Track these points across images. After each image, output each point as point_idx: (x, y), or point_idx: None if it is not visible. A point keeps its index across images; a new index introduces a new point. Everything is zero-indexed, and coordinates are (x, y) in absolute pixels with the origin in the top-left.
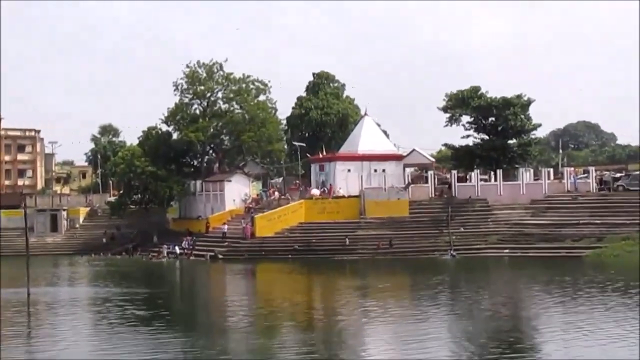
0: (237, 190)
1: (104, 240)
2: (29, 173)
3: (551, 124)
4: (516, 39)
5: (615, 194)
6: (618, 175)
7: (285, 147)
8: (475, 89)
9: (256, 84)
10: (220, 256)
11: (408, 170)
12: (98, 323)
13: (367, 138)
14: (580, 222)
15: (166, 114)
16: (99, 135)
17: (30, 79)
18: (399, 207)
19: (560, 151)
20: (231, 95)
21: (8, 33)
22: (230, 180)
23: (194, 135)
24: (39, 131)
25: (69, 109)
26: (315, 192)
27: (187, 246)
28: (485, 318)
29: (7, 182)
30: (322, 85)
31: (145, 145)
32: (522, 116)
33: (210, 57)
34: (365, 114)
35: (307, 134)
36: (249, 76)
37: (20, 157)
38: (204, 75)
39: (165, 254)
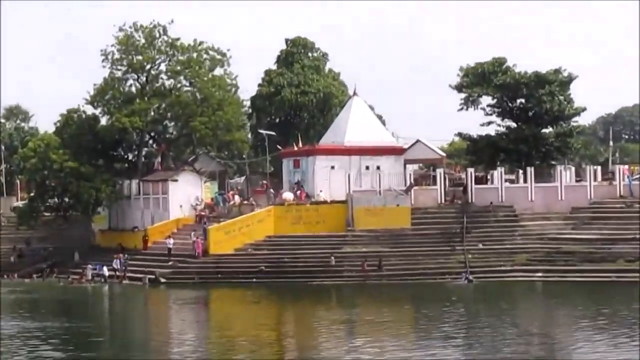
0: (186, 193)
1: (12, 259)
2: None
3: (599, 107)
4: None
5: None
6: None
7: (249, 136)
8: (500, 62)
9: (211, 53)
10: (163, 280)
11: (410, 167)
12: None
13: (356, 125)
14: (637, 237)
15: (92, 93)
16: (2, 120)
17: None
18: (398, 216)
19: (611, 143)
20: (178, 67)
21: None
22: (176, 180)
23: (128, 120)
24: None
25: None
26: (288, 196)
27: (118, 266)
28: None
29: None
30: (297, 55)
31: (64, 134)
32: (561, 97)
33: (150, 18)
34: (355, 94)
35: (278, 120)
36: (201, 43)
37: None
38: (142, 41)
39: (90, 277)
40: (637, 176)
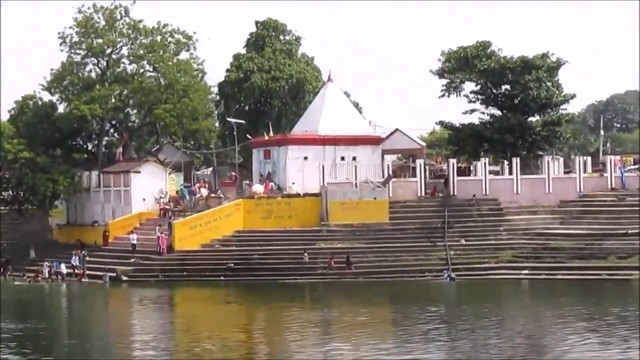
0: (149, 186)
1: None
2: None
3: (590, 94)
4: None
5: None
6: None
7: (217, 125)
8: (484, 45)
9: (176, 36)
10: (125, 277)
11: (389, 158)
12: None
13: (331, 113)
14: (629, 232)
15: (49, 78)
16: None
17: None
18: (376, 210)
19: (602, 133)
20: (141, 51)
21: None
22: (139, 172)
23: (87, 108)
24: None
25: None
26: (259, 188)
27: (77, 264)
28: None
29: None
30: (268, 38)
31: (19, 122)
32: (549, 83)
33: None
34: (329, 80)
35: (247, 107)
36: (165, 25)
37: None
38: (103, 23)
39: (47, 275)
40: (630, 167)
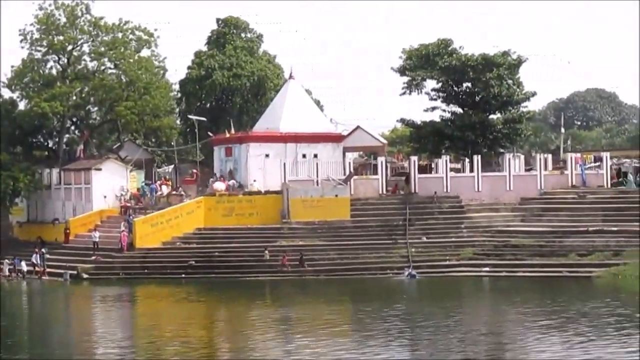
0: (110, 183)
1: None
2: None
3: (550, 92)
4: None
5: (638, 190)
6: None
7: (178, 122)
8: (445, 43)
9: (137, 33)
10: (85, 275)
11: (350, 155)
12: None
13: (292, 111)
14: (590, 229)
15: (9, 75)
16: None
17: None
18: (337, 208)
19: (563, 130)
20: (102, 49)
21: None
22: (100, 169)
23: (48, 105)
24: None
25: None
26: (220, 186)
27: (38, 261)
28: None
29: None
30: (230, 36)
31: None
32: (510, 81)
33: None
34: (291, 77)
35: (208, 105)
36: (127, 22)
37: None
38: (64, 20)
39: (7, 273)
40: (590, 165)
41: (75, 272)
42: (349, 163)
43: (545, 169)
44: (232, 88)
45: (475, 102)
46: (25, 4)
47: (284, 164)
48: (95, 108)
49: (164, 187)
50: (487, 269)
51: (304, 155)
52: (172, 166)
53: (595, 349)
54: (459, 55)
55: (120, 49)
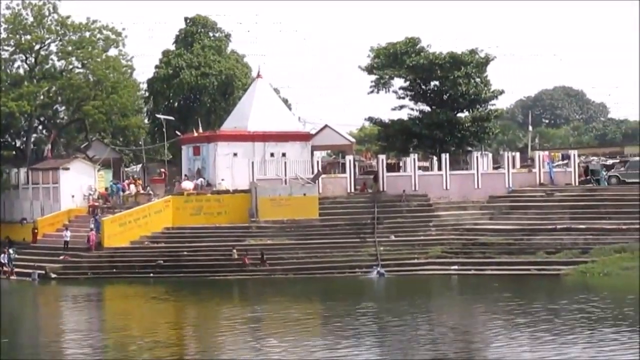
0: (78, 182)
1: None
2: None
3: (518, 90)
4: None
5: (606, 188)
6: (610, 162)
7: (146, 122)
8: (413, 41)
9: (105, 32)
10: (54, 275)
11: (318, 154)
12: None
13: (260, 110)
14: (558, 227)
15: None
16: None
17: None
18: (305, 207)
19: (530, 128)
20: (69, 48)
21: None
22: (67, 168)
23: (15, 104)
24: None
25: None
26: (188, 185)
27: (5, 261)
28: None
29: None
30: (197, 35)
31: None
32: (478, 79)
33: None
34: (259, 76)
35: (176, 104)
36: (94, 21)
37: None
38: (31, 19)
39: None
40: (558, 163)
41: (43, 272)
42: (317, 162)
43: (514, 167)
44: (200, 87)
45: (443, 100)
46: None
47: (252, 163)
48: (63, 107)
49: (131, 187)
50: (455, 267)
51: (272, 154)
52: (140, 165)
53: (564, 347)
54: (426, 54)
55: (87, 48)
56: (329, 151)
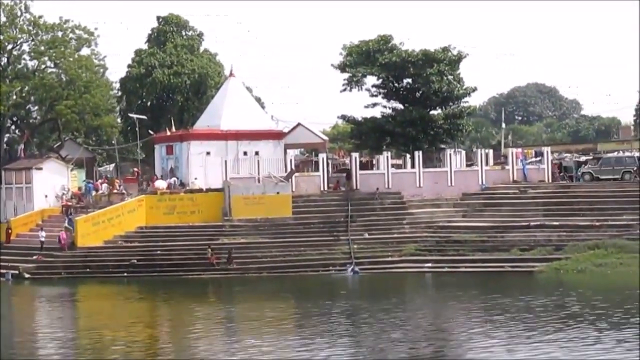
0: (51, 182)
1: None
2: None
3: (491, 87)
4: None
5: (579, 185)
6: (584, 158)
7: (119, 121)
8: (385, 39)
9: (77, 32)
10: (27, 275)
11: (291, 152)
12: None
13: (233, 108)
14: (531, 224)
15: None
16: None
17: None
18: (279, 205)
19: (504, 125)
20: (42, 48)
21: None
22: (40, 168)
23: None
24: None
25: None
26: (161, 184)
27: None
28: None
29: None
30: (170, 34)
31: None
32: (450, 77)
33: None
34: (231, 75)
35: (149, 103)
36: (67, 21)
37: None
38: (3, 19)
39: None
40: (531, 160)
41: (17, 272)
42: (291, 160)
43: (487, 164)
44: (172, 86)
45: (415, 98)
46: None
47: (225, 161)
48: (36, 107)
49: (104, 186)
50: (429, 264)
51: (245, 153)
52: (113, 165)
53: (540, 343)
54: (399, 52)
55: (60, 48)
56: (302, 149)
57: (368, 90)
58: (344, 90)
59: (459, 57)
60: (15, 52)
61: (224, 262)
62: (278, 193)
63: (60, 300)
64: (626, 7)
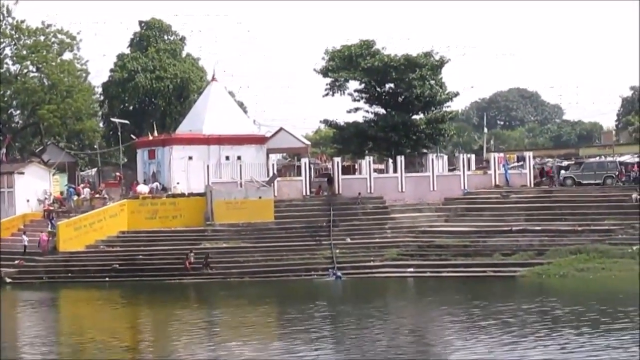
0: (33, 187)
1: None
2: None
3: (473, 92)
4: None
5: (561, 189)
6: (565, 163)
7: (101, 125)
8: (368, 44)
9: (60, 36)
10: (9, 280)
11: (274, 157)
12: None
13: (215, 113)
14: (514, 229)
15: None
16: None
17: None
18: (261, 210)
19: (486, 130)
20: (24, 52)
21: None
22: (22, 173)
23: None
24: None
25: None
26: (143, 188)
27: None
28: None
29: None
30: (152, 38)
31: None
32: (432, 82)
33: None
34: (214, 79)
35: (131, 107)
36: (49, 25)
37: None
38: None
39: None
40: (513, 164)
41: None
42: (273, 165)
43: (469, 169)
44: (155, 90)
45: (398, 102)
46: None
47: (207, 166)
48: (18, 111)
49: (86, 190)
50: (411, 269)
51: (227, 157)
52: (95, 169)
53: (522, 349)
54: (381, 56)
55: (42, 52)
56: (285, 154)
57: (350, 94)
58: (327, 94)
59: (441, 62)
60: None
61: (199, 267)
62: (260, 198)
63: (42, 305)
64: (606, 9)
